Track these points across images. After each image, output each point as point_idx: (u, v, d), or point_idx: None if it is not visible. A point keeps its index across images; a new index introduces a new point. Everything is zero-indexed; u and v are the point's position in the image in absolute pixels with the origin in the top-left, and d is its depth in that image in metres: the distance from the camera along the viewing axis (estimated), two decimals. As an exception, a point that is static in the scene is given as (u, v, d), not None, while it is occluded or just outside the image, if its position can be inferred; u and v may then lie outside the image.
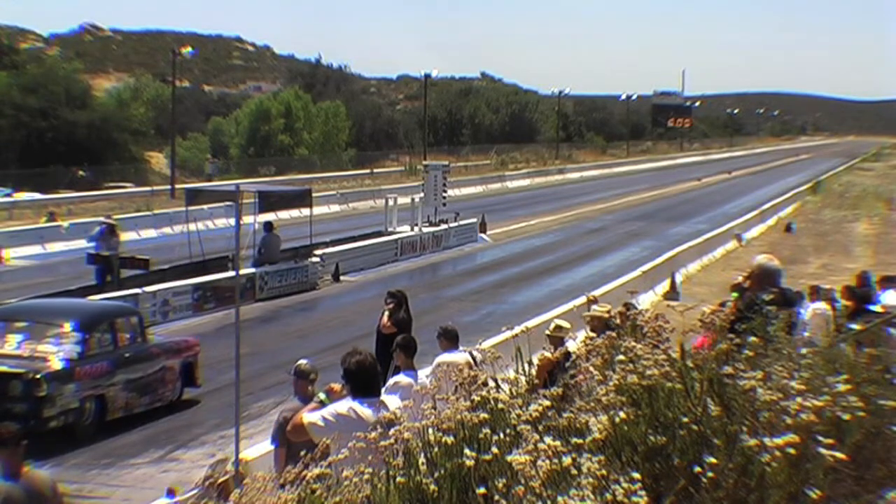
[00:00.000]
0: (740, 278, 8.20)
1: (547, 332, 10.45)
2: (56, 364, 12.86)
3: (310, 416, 6.04)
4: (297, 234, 25.13)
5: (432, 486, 3.23)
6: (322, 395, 6.88)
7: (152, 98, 68.10)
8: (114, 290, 19.45)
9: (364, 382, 6.12)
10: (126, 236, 27.24)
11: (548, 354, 6.93)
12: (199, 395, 15.13)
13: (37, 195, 41.67)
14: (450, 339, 10.20)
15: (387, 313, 12.94)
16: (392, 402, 6.10)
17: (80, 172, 45.48)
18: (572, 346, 8.79)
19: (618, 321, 9.44)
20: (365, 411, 5.84)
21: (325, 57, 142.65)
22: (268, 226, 23.33)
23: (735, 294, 8.29)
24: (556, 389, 3.58)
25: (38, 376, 12.55)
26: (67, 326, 13.41)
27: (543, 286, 26.33)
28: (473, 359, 6.59)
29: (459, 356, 8.99)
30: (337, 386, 6.58)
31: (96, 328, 13.77)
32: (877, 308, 11.78)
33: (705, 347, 3.69)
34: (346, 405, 6.01)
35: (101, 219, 24.28)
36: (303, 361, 9.12)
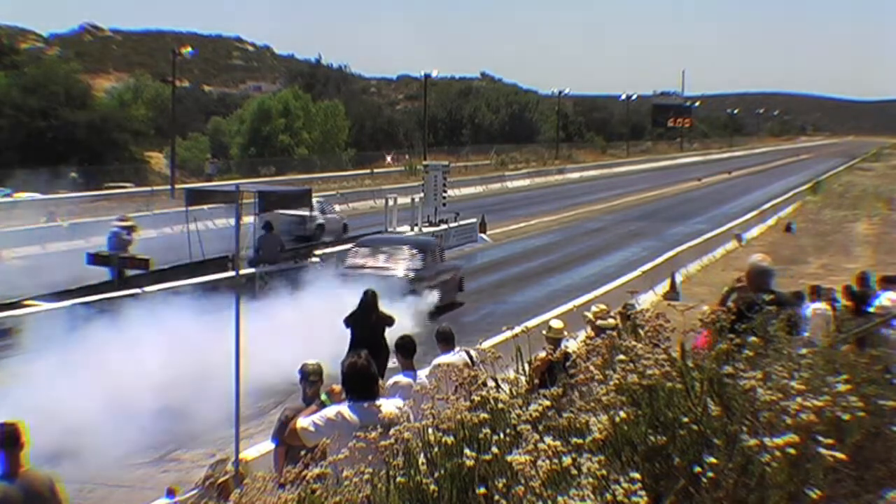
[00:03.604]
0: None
1: (543, 332, 10.47)
2: (411, 272, 21.26)
3: (302, 422, 6.11)
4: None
5: (432, 486, 3.23)
6: (324, 397, 6.94)
7: (152, 98, 68.05)
8: (113, 289, 19.45)
9: (357, 385, 6.15)
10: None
11: (542, 355, 6.93)
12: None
13: (37, 195, 41.65)
14: (445, 341, 10.16)
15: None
16: (391, 403, 6.12)
17: (72, 174, 45.46)
18: (572, 345, 8.79)
19: (616, 321, 9.45)
20: (351, 415, 5.90)
21: (325, 57, 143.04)
22: (267, 226, 23.34)
23: (726, 288, 8.29)
24: (556, 389, 3.57)
25: (410, 277, 21.09)
26: (413, 250, 22.24)
27: (543, 286, 26.33)
28: (471, 358, 6.59)
29: (456, 358, 9.00)
30: (337, 387, 6.63)
31: (427, 251, 22.56)
32: (872, 309, 11.76)
33: (705, 348, 3.69)
34: (334, 409, 6.10)
35: (116, 221, 24.22)
36: (308, 361, 9.08)
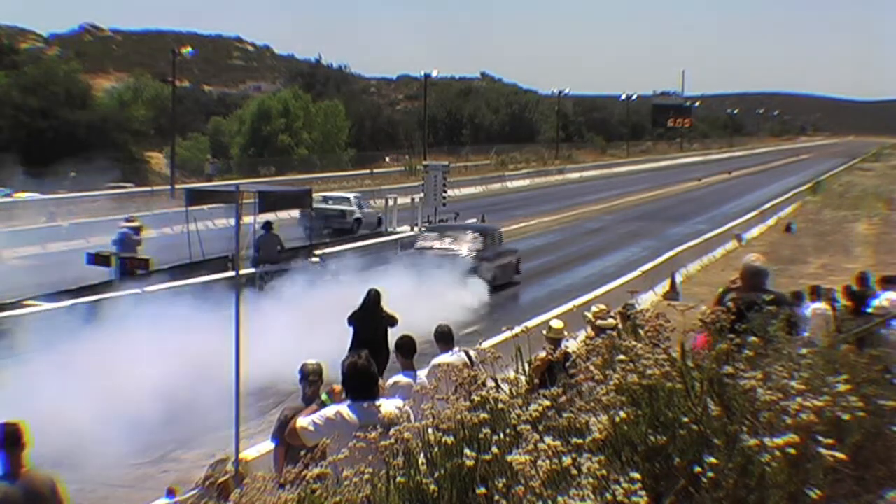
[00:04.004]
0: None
1: (543, 332, 10.46)
2: (473, 253, 24.21)
3: (302, 421, 6.10)
4: (298, 235, 25.14)
5: (432, 486, 3.23)
6: (324, 396, 6.93)
7: (152, 98, 68.00)
8: (113, 289, 19.46)
9: (357, 384, 6.14)
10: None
11: (542, 355, 6.93)
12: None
13: (37, 195, 41.65)
14: (444, 341, 10.09)
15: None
16: (391, 403, 6.11)
17: (72, 173, 45.53)
18: (572, 345, 8.79)
19: (616, 321, 9.46)
20: (351, 415, 5.90)
21: (325, 57, 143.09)
22: (266, 226, 23.32)
23: (721, 289, 8.28)
24: (556, 389, 3.57)
25: (472, 257, 24.04)
26: (475, 235, 25.30)
27: (543, 286, 26.32)
28: (470, 359, 6.58)
29: (454, 358, 8.99)
30: (338, 387, 6.62)
31: (488, 236, 25.41)
32: (871, 310, 11.75)
33: (705, 348, 3.69)
34: (334, 409, 6.09)
35: (124, 222, 24.24)
36: (308, 361, 9.02)
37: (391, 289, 17.39)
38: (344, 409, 6.03)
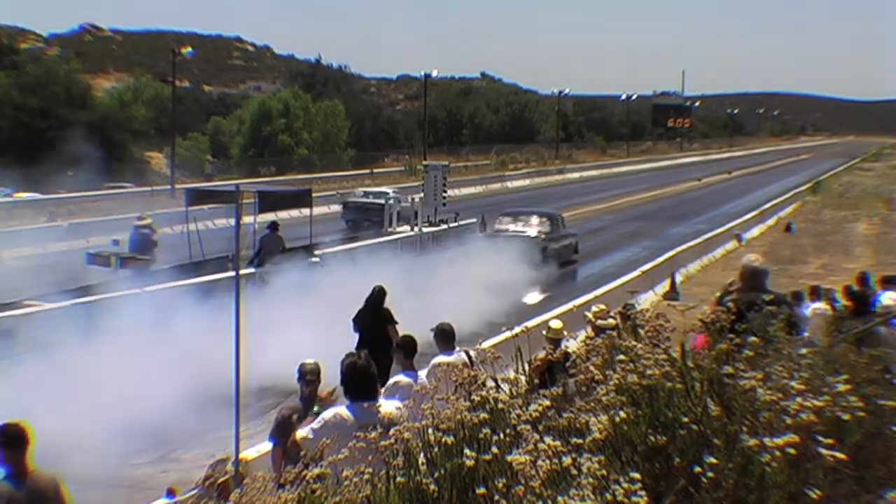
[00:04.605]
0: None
1: (543, 332, 10.47)
2: (543, 234, 28.16)
3: (301, 432, 6.12)
4: (298, 235, 25.12)
5: (432, 486, 3.23)
6: (317, 408, 6.91)
7: (152, 98, 67.98)
8: (113, 289, 19.46)
9: (356, 384, 6.14)
10: (125, 235, 27.19)
11: (542, 355, 6.93)
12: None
13: (37, 195, 41.64)
14: (445, 340, 10.02)
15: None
16: (391, 404, 6.11)
17: (69, 173, 45.60)
18: (572, 345, 8.79)
19: (616, 321, 9.46)
20: (349, 415, 5.89)
21: (325, 57, 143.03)
22: (272, 226, 23.26)
23: (718, 293, 8.27)
24: (556, 389, 3.57)
25: (542, 237, 28.06)
26: (543, 219, 29.31)
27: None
28: (470, 359, 6.58)
29: (454, 358, 8.97)
30: (323, 392, 6.60)
31: (554, 220, 29.58)
32: (875, 309, 11.73)
33: (704, 348, 3.69)
34: (332, 411, 6.09)
35: (136, 221, 24.24)
36: (306, 360, 8.99)
37: (475, 263, 22.92)
38: (343, 409, 6.02)
